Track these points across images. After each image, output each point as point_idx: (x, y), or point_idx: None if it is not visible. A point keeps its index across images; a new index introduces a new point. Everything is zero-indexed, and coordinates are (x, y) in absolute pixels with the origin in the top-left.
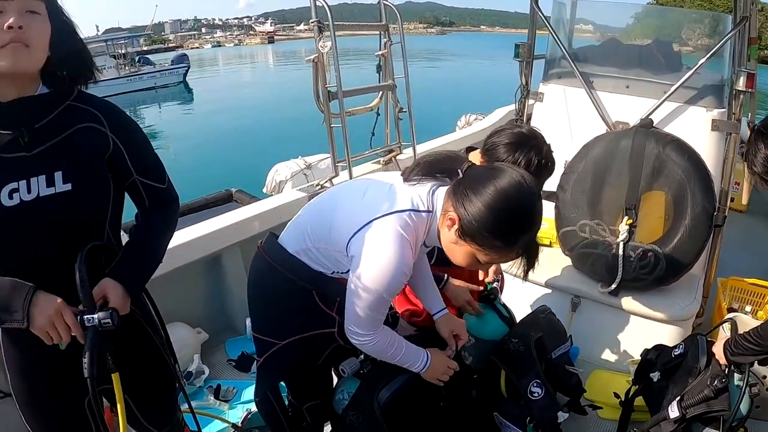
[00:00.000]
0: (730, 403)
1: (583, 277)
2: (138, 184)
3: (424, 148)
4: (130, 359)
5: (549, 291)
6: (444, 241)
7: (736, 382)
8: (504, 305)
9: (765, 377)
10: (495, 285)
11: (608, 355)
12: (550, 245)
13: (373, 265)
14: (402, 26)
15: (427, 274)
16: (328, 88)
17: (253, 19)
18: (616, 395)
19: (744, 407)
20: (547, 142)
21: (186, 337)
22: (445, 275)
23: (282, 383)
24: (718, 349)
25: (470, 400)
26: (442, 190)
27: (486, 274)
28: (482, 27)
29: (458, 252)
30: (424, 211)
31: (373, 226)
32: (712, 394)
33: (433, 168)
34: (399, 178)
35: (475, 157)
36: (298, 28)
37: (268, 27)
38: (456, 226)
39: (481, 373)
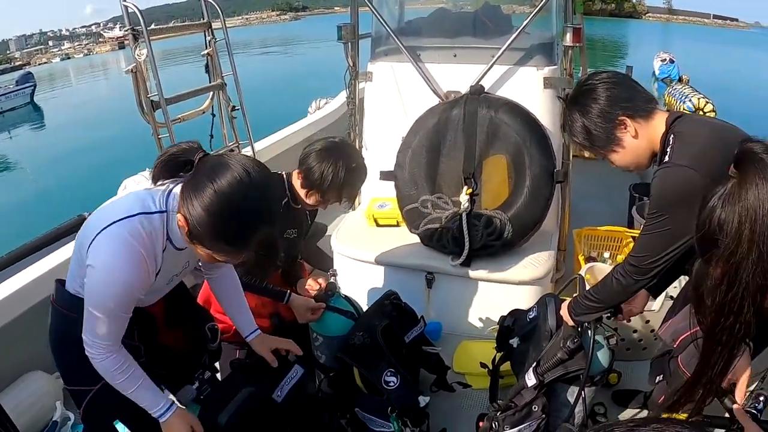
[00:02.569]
0: (588, 361)
1: (433, 253)
2: None
3: (274, 139)
4: None
5: (402, 271)
6: (186, 242)
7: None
8: (347, 298)
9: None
10: (333, 280)
11: (472, 326)
12: (397, 225)
13: (99, 276)
14: (224, 22)
15: (234, 294)
16: (151, 98)
17: (101, 25)
18: (483, 365)
19: (604, 360)
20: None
21: (43, 386)
22: (288, 291)
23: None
24: (564, 310)
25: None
26: (179, 188)
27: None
28: (336, 8)
29: (199, 253)
30: (156, 212)
31: (102, 235)
32: (566, 356)
33: (169, 166)
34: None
35: None
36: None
37: (117, 32)
38: (186, 229)
39: (337, 371)
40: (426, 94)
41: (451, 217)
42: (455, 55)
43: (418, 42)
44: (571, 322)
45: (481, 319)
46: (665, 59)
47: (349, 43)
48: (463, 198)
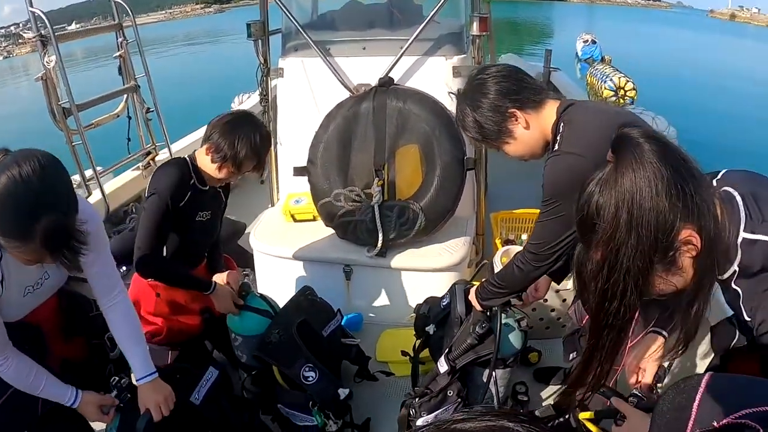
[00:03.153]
0: (496, 344)
1: (349, 246)
2: None
3: (194, 138)
4: None
5: (320, 265)
6: None
7: (505, 321)
8: (263, 296)
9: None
10: (246, 280)
11: (392, 315)
12: (314, 219)
13: None
14: (135, 22)
15: (128, 329)
16: (62, 105)
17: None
18: (404, 353)
19: (516, 342)
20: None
21: None
22: (214, 282)
23: None
24: (472, 296)
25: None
26: None
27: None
28: None
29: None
30: None
31: None
32: (475, 341)
33: None
34: None
35: None
36: (69, 28)
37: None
38: None
39: (258, 369)
40: (337, 88)
41: (364, 209)
42: (364, 48)
43: (328, 36)
44: (478, 307)
45: (401, 308)
46: (587, 40)
47: (259, 40)
48: (375, 190)
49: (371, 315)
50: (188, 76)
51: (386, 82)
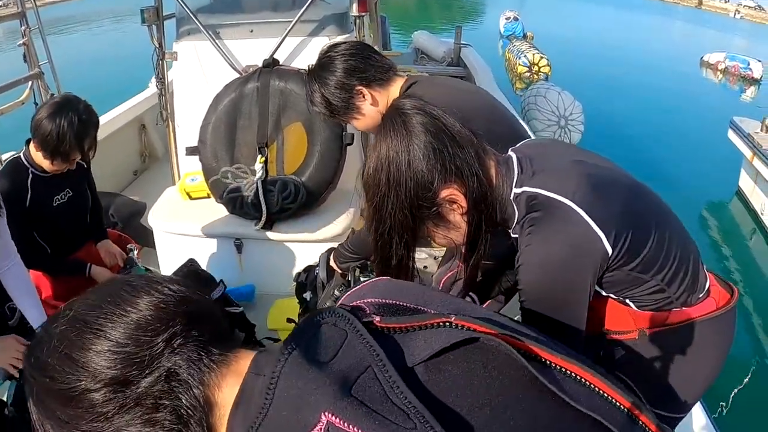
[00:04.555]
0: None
1: (239, 220)
2: None
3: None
4: None
5: (213, 240)
6: None
7: (364, 280)
8: (147, 269)
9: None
10: (131, 254)
11: (280, 285)
12: (208, 197)
13: None
14: (37, 8)
15: (24, 288)
16: None
17: None
18: (290, 320)
19: None
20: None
21: None
22: (88, 263)
23: None
24: (332, 261)
25: None
26: None
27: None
28: None
29: None
30: None
31: None
32: (334, 304)
33: None
34: None
35: None
36: None
37: None
38: None
39: None
40: (227, 70)
41: (249, 185)
42: (252, 31)
43: (218, 20)
44: (339, 271)
45: (289, 278)
46: (509, 17)
47: (153, 25)
48: (258, 166)
49: (262, 286)
50: (104, 56)
51: (269, 63)
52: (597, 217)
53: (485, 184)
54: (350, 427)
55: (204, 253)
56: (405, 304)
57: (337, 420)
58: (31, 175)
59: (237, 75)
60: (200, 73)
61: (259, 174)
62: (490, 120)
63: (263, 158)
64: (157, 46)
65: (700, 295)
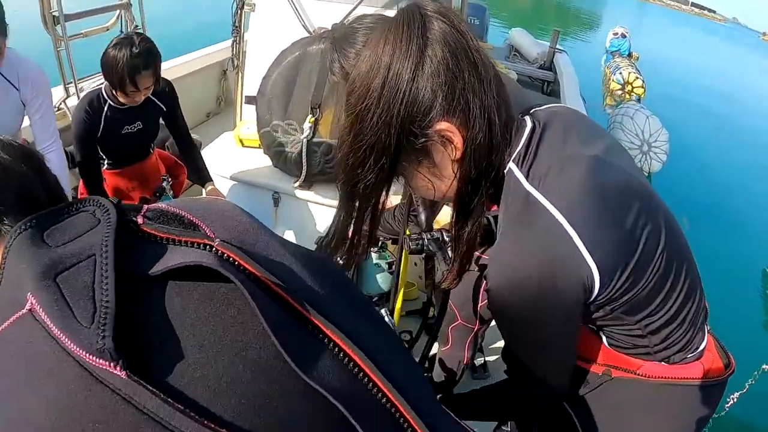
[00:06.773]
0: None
1: (280, 174)
2: None
3: (178, 62)
4: None
5: (254, 189)
6: None
7: (375, 261)
8: (176, 197)
9: None
10: (164, 183)
11: (308, 245)
12: (259, 147)
13: None
14: None
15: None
16: (53, 13)
17: None
18: None
19: (383, 283)
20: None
21: None
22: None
23: None
24: None
25: None
26: None
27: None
28: None
29: None
30: None
31: None
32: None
33: None
34: None
35: None
36: None
37: None
38: None
39: None
40: (299, 28)
41: (296, 142)
42: None
43: None
44: None
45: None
46: (618, 33)
47: None
48: (306, 126)
49: (293, 242)
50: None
51: (337, 29)
52: (589, 240)
53: (496, 136)
54: (41, 312)
55: (243, 200)
56: (188, 216)
57: (36, 303)
58: (106, 106)
59: (307, 35)
60: (273, 28)
61: (306, 132)
62: None
63: (313, 119)
64: None
65: (688, 356)
